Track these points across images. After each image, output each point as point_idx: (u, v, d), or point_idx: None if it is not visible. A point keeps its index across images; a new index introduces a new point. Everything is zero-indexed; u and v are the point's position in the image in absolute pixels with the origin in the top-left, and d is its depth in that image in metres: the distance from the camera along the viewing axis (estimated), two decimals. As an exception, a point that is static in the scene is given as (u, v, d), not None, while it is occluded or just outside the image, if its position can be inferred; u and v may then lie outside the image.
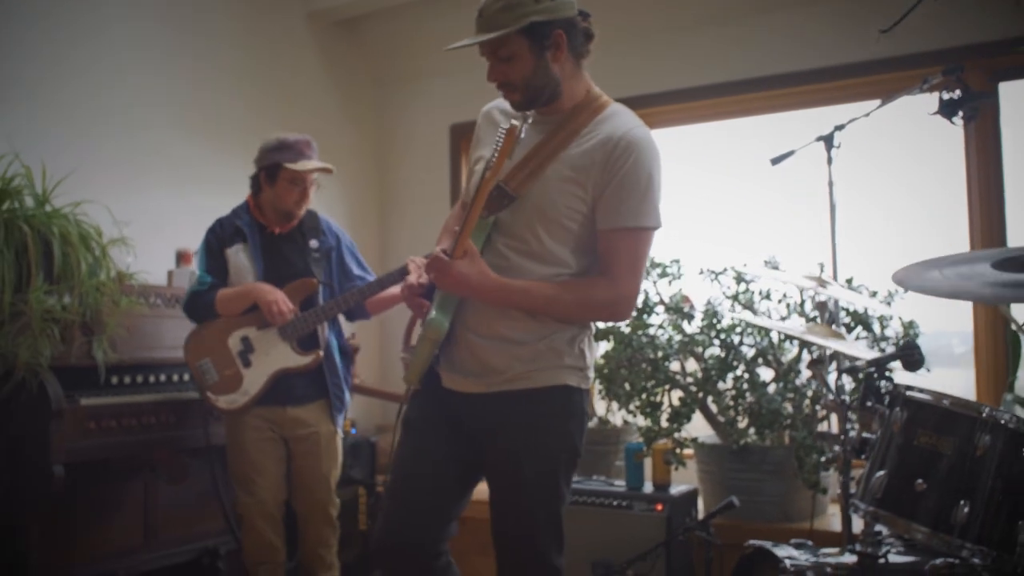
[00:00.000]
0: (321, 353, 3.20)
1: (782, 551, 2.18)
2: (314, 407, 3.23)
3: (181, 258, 3.87)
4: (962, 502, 1.83)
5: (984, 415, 1.86)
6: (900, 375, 2.24)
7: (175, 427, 3.38)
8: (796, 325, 3.40)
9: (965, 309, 3.89)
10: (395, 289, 3.12)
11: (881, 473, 1.96)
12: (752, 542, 2.30)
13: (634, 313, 3.74)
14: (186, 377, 3.52)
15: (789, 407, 3.43)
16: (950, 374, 4.13)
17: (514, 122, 1.97)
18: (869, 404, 2.10)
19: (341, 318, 3.38)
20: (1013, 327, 3.46)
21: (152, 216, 3.82)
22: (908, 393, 1.99)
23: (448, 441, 2.16)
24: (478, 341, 2.08)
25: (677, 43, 4.40)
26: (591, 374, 2.18)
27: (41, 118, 3.53)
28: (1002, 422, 1.84)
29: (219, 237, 3.29)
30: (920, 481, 1.89)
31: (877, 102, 2.89)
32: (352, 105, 5.22)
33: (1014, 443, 1.82)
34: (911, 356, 2.09)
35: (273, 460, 3.22)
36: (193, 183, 4.13)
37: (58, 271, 3.12)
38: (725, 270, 3.70)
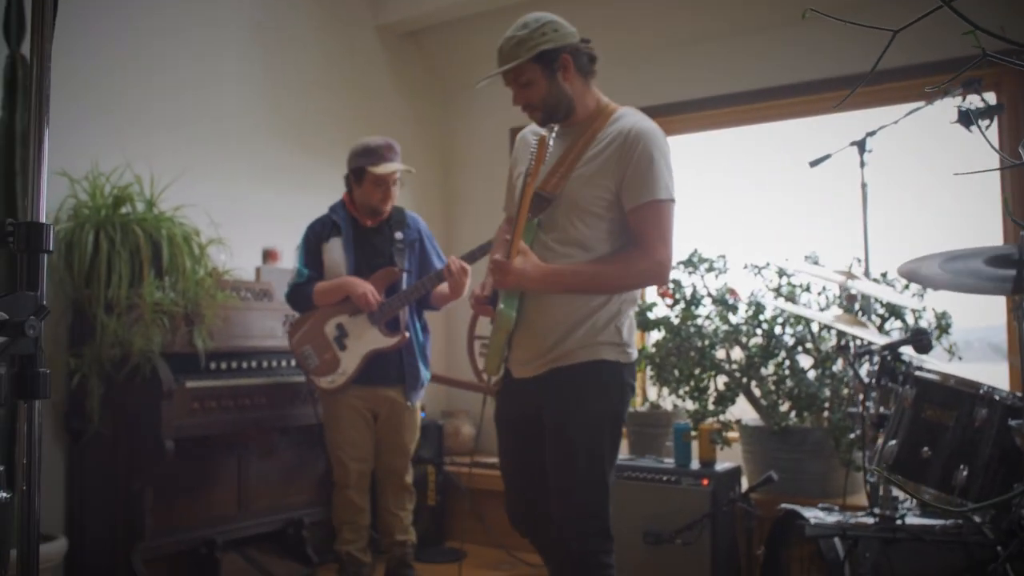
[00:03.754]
0: (407, 334, 3.57)
1: (810, 512, 2.46)
2: (399, 388, 3.61)
3: (267, 256, 4.26)
4: (961, 466, 2.10)
5: (982, 392, 2.14)
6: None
7: (266, 407, 3.76)
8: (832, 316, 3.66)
9: (1000, 302, 4.08)
10: (445, 287, 3.55)
11: (893, 442, 2.24)
12: (784, 505, 2.59)
13: (683, 304, 4.03)
14: (274, 363, 3.91)
15: (827, 391, 3.70)
16: (992, 367, 4.28)
17: (542, 133, 2.41)
18: (884, 383, 2.37)
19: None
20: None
21: (242, 217, 4.19)
22: (917, 373, 2.27)
23: (525, 436, 2.53)
24: (536, 328, 2.43)
25: (716, 51, 4.66)
26: (632, 350, 2.49)
27: (149, 131, 3.91)
28: (997, 398, 2.11)
29: (316, 234, 3.68)
30: (926, 449, 2.17)
31: (909, 106, 3.13)
32: (419, 110, 5.58)
33: (1007, 415, 2.09)
34: (920, 341, 2.37)
35: (363, 434, 3.60)
36: (277, 186, 4.51)
37: (165, 268, 3.52)
38: (768, 265, 3.97)
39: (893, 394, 2.36)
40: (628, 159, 2.33)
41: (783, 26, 4.46)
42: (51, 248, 1.00)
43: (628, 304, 2.49)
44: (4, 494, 1.00)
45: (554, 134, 2.44)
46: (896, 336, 3.55)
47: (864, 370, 2.80)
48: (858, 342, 2.86)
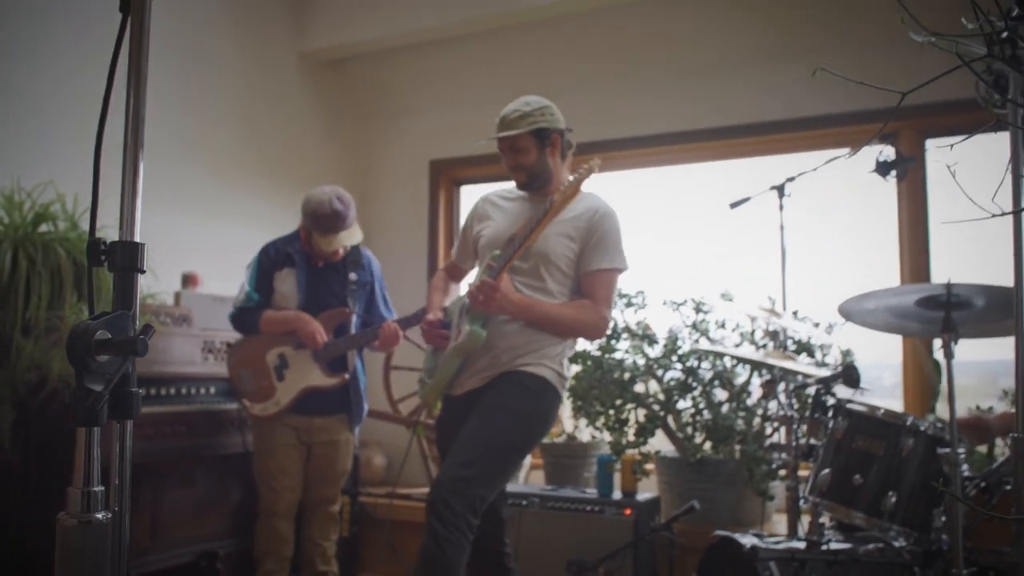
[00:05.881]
0: (347, 376, 3.59)
1: (746, 539, 2.57)
2: (337, 418, 3.61)
3: (187, 280, 4.17)
4: (890, 493, 2.26)
5: (908, 423, 2.31)
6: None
7: (185, 436, 3.67)
8: (748, 351, 3.83)
9: (895, 344, 4.35)
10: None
11: (826, 471, 2.39)
12: (718, 532, 2.70)
13: (603, 338, 4.15)
14: (194, 390, 3.82)
15: (741, 424, 3.85)
16: (882, 403, 4.57)
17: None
18: (816, 416, 2.53)
19: None
20: (936, 353, 3.94)
21: (161, 241, 4.06)
22: (848, 406, 2.43)
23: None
24: (495, 350, 2.75)
25: (651, 91, 4.82)
26: (566, 385, 2.89)
27: (73, 150, 3.77)
28: (922, 428, 2.28)
29: (271, 260, 3.65)
30: (857, 476, 2.33)
31: (825, 153, 3.35)
32: (338, 139, 5.58)
33: (931, 445, 2.26)
34: (851, 376, 2.54)
35: (295, 463, 3.57)
36: (197, 212, 4.43)
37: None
38: (685, 301, 4.12)
39: (822, 426, 2.52)
40: (594, 231, 2.80)
41: (708, 71, 4.66)
42: (145, 268, 1.00)
43: (570, 347, 2.91)
44: (106, 514, 0.99)
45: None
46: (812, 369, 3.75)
47: (782, 403, 2.96)
48: (790, 377, 3.02)
